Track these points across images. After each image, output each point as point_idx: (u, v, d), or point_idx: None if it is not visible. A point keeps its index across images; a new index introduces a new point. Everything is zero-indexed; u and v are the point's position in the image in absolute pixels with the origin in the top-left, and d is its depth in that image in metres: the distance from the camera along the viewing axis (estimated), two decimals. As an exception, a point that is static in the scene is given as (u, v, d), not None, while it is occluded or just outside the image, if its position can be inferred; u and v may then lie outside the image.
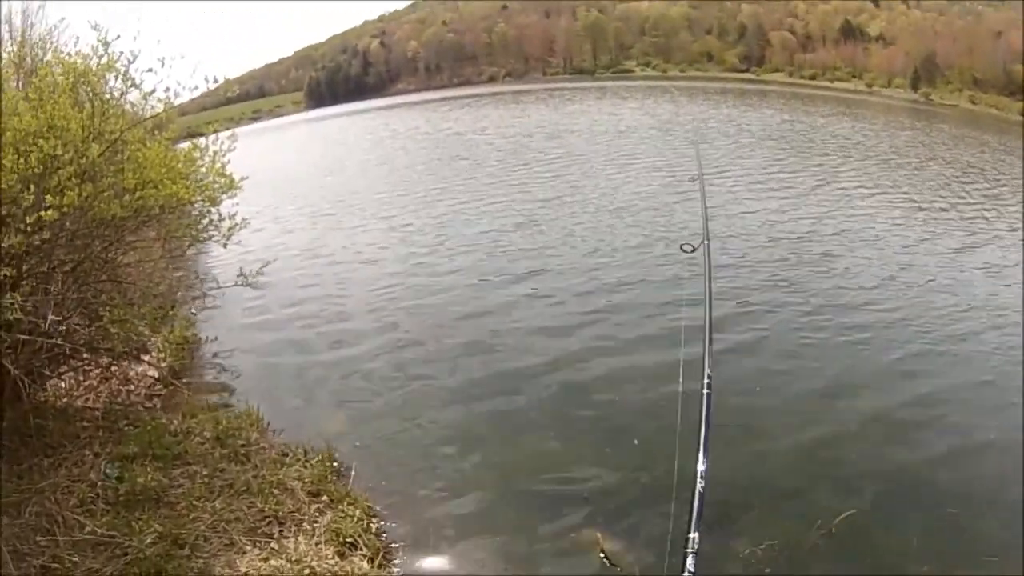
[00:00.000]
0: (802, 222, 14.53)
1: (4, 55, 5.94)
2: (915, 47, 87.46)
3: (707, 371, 1.22)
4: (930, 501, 5.72)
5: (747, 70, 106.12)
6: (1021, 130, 45.79)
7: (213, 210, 6.88)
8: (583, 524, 5.34)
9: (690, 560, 0.84)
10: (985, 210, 16.46)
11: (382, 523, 5.40)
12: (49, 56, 6.21)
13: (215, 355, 9.10)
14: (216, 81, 6.49)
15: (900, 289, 10.53)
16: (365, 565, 4.69)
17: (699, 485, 0.94)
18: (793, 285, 10.62)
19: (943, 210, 16.24)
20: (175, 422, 6.50)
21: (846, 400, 7.35)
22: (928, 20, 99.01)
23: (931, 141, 32.36)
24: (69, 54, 5.39)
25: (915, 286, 10.70)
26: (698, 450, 1.05)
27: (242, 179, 7.09)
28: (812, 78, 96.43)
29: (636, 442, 6.40)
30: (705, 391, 1.16)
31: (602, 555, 4.90)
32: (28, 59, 6.41)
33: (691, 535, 0.88)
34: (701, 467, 0.96)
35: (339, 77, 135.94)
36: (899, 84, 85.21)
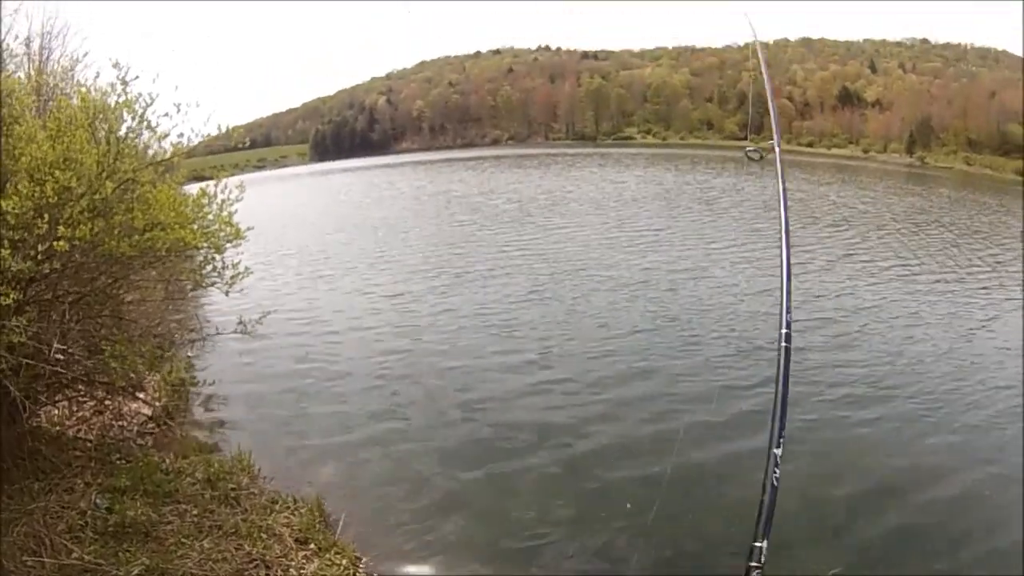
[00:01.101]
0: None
1: (23, 79, 6.09)
2: (911, 111, 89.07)
3: (785, 318, 1.06)
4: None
5: (745, 138, 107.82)
6: (1021, 189, 46.45)
7: (217, 257, 6.95)
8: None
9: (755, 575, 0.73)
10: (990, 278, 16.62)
11: (368, 573, 5.37)
12: (67, 86, 6.39)
13: (209, 399, 9.11)
14: (227, 130, 6.58)
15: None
16: (350, 613, 4.65)
17: (773, 477, 0.79)
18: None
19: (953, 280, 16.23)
20: (167, 460, 6.49)
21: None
22: (924, 84, 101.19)
23: (931, 206, 32.77)
24: (88, 88, 5.56)
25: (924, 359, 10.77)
26: (772, 427, 0.91)
27: (248, 229, 7.19)
28: (809, 145, 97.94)
29: (628, 505, 6.38)
30: (783, 343, 1.02)
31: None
32: (46, 86, 6.55)
33: (758, 544, 0.76)
34: (777, 451, 0.81)
35: (345, 132, 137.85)
36: (895, 149, 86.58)
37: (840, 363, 10.07)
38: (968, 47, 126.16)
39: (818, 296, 13.80)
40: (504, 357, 10.56)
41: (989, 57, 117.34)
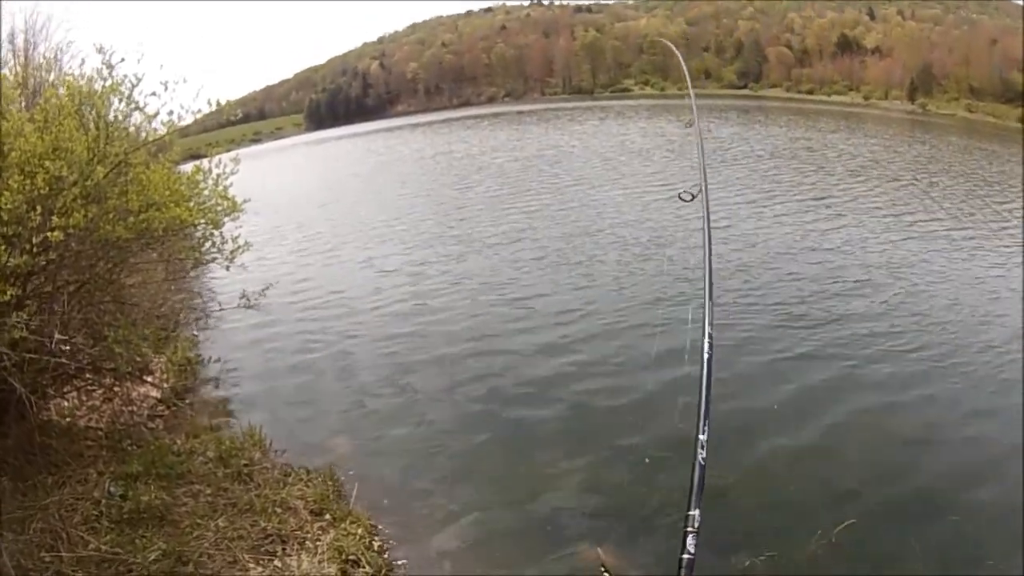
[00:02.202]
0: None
1: (8, 75, 6.01)
2: (911, 58, 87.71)
3: (708, 329, 1.17)
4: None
5: (745, 86, 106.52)
6: (1021, 138, 45.85)
7: (216, 232, 6.93)
8: (584, 541, 5.36)
9: (690, 539, 0.82)
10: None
11: (384, 541, 5.43)
12: (54, 77, 6.30)
13: (217, 376, 9.14)
14: (218, 104, 6.51)
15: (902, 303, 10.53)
16: (367, 582, 4.70)
17: (700, 457, 0.91)
18: (797, 302, 10.65)
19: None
20: (178, 442, 6.53)
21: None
22: (924, 31, 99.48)
23: (942, 155, 31.94)
24: (74, 76, 5.48)
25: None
26: (698, 418, 1.02)
27: (244, 201, 7.16)
28: (810, 92, 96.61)
29: (646, 459, 6.40)
30: (706, 353, 1.12)
31: (604, 571, 4.91)
32: (32, 80, 6.48)
33: (691, 512, 0.85)
34: (702, 436, 0.93)
35: (339, 99, 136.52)
36: (896, 96, 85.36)
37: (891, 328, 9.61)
38: None
39: (856, 256, 13.13)
40: (516, 323, 10.51)
41: (989, 5, 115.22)
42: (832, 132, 41.34)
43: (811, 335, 9.25)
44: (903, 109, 77.47)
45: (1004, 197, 19.95)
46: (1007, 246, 14.06)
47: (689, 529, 0.93)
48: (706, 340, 1.20)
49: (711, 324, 1.17)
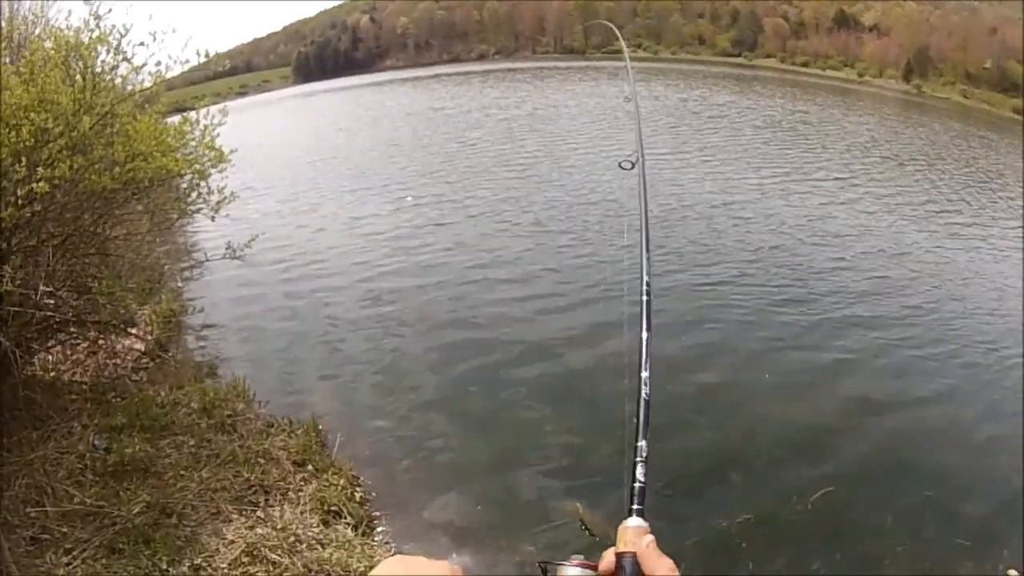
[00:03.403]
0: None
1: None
2: (909, 39, 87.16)
3: (646, 277, 1.25)
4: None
5: (739, 55, 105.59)
6: (1020, 128, 45.84)
7: (202, 183, 6.90)
8: (561, 494, 5.52)
9: (639, 469, 0.89)
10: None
11: (366, 492, 5.55)
12: (40, 30, 6.21)
13: (202, 327, 9.17)
14: (207, 56, 6.44)
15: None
16: (349, 533, 4.82)
17: (644, 393, 0.99)
18: (772, 270, 10.80)
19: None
20: (162, 394, 6.58)
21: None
22: (924, 12, 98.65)
23: (943, 140, 31.34)
24: (61, 28, 5.41)
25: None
26: (640, 357, 1.09)
27: (231, 152, 7.13)
28: (804, 65, 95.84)
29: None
30: (644, 297, 1.20)
31: (582, 526, 5.06)
32: (17, 33, 6.37)
33: (639, 444, 0.92)
34: (645, 374, 1.00)
35: (328, 52, 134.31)
36: (891, 75, 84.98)
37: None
38: None
39: (868, 243, 12.74)
40: (499, 283, 10.59)
41: None
42: (830, 108, 40.96)
43: (803, 315, 9.34)
44: (897, 88, 77.22)
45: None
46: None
47: (638, 459, 1.00)
48: (644, 286, 1.29)
49: (648, 275, 1.27)
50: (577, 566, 0.94)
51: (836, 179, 18.18)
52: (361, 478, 5.72)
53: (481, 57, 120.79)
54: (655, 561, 0.90)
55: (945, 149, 27.65)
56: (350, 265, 11.61)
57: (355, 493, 5.42)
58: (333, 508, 5.05)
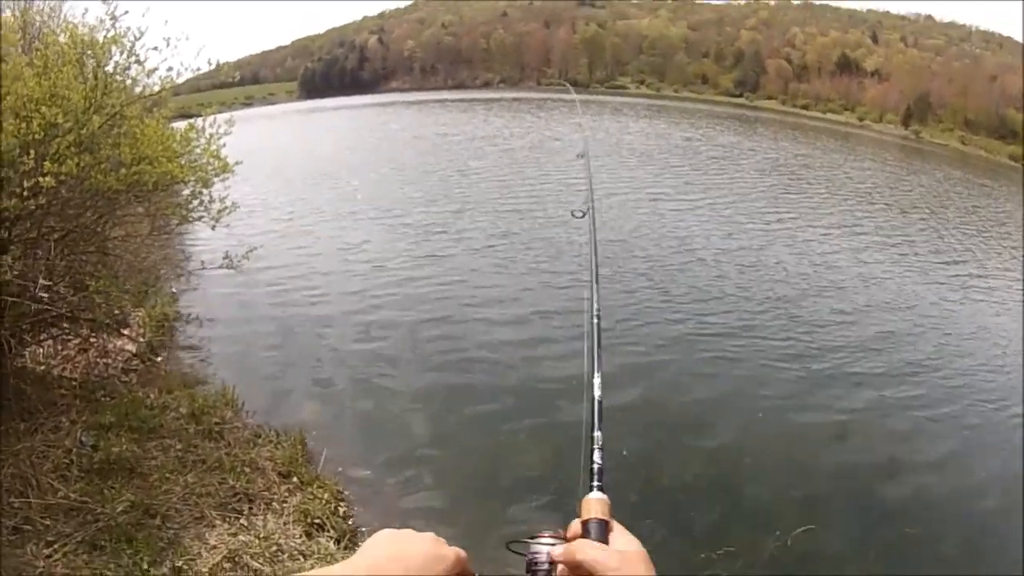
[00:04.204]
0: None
1: (8, 17, 5.97)
2: (910, 84, 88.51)
3: (595, 301, 1.30)
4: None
5: (741, 95, 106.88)
6: (1017, 175, 46.34)
7: (205, 191, 6.94)
8: (543, 508, 5.52)
9: (597, 454, 0.92)
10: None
11: (349, 507, 5.54)
12: (54, 24, 6.27)
13: (195, 334, 9.15)
14: (217, 64, 6.51)
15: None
16: (332, 546, 4.79)
17: (597, 393, 1.05)
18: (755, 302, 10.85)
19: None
20: (151, 396, 6.56)
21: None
22: (925, 59, 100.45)
23: (948, 189, 31.00)
24: (76, 24, 5.47)
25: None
26: (592, 363, 1.15)
27: (236, 163, 7.18)
28: (805, 107, 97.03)
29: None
30: (595, 314, 1.23)
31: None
32: (35, 24, 6.43)
33: (595, 433, 0.97)
34: (596, 380, 1.06)
35: (335, 70, 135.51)
36: (891, 120, 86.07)
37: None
38: (972, 29, 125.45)
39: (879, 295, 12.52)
40: (491, 305, 10.65)
41: (993, 41, 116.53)
42: (832, 152, 41.12)
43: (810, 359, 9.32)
44: (896, 134, 78.00)
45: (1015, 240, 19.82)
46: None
47: (595, 446, 1.04)
48: (594, 311, 1.34)
49: (598, 303, 1.31)
50: (547, 538, 0.96)
51: (841, 227, 18.06)
52: (345, 493, 5.71)
53: (486, 85, 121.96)
54: (622, 533, 0.92)
55: (947, 197, 27.78)
56: (343, 286, 11.61)
57: (339, 507, 5.41)
58: (317, 521, 5.03)
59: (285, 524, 4.90)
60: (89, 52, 4.99)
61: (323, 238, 14.88)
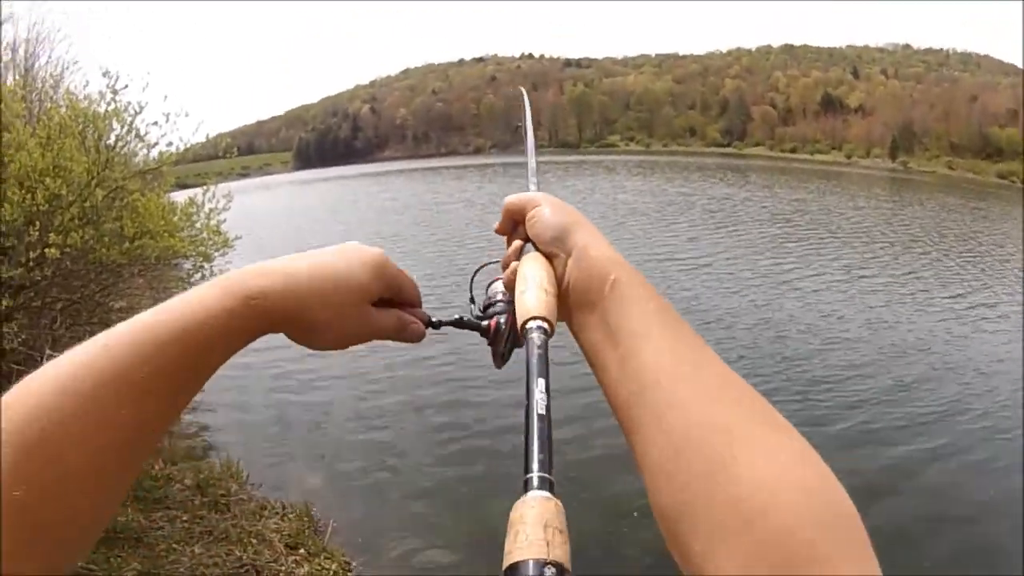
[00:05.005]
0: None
1: (10, 86, 6.09)
2: (893, 116, 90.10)
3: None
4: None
5: (729, 144, 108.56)
6: (1007, 193, 46.52)
7: (206, 266, 7.00)
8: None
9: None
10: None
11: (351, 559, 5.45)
12: (54, 94, 6.41)
13: (197, 405, 9.08)
14: (217, 139, 6.65)
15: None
16: (342, 616, 4.69)
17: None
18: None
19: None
20: (156, 467, 6.49)
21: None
22: (906, 88, 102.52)
23: (943, 219, 30.91)
24: (77, 96, 5.58)
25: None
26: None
27: (235, 238, 7.26)
28: (792, 151, 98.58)
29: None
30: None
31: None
32: (34, 93, 6.57)
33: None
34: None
35: (328, 140, 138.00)
36: (878, 154, 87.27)
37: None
38: (950, 52, 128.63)
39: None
40: (492, 368, 10.52)
41: (971, 61, 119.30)
42: (826, 194, 41.23)
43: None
44: (885, 167, 78.78)
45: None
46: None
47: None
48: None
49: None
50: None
51: (845, 272, 17.79)
52: (353, 564, 5.60)
53: (478, 151, 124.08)
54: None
55: (944, 226, 27.72)
56: (342, 358, 11.56)
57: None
58: (322, 580, 4.95)
59: (294, 584, 4.81)
60: (90, 124, 5.09)
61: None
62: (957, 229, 26.73)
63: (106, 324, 3.37)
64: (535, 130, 1.21)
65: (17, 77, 6.39)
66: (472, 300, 0.89)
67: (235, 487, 6.51)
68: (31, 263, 4.36)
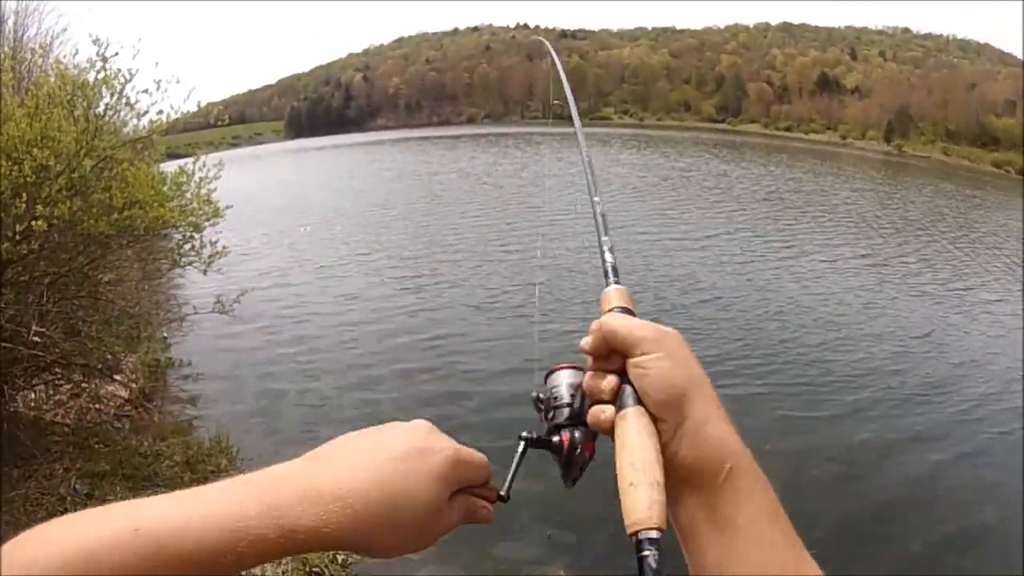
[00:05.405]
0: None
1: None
2: (890, 99, 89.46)
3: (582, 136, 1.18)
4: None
5: (723, 120, 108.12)
6: (1002, 183, 46.46)
7: (196, 236, 6.86)
8: (548, 557, 5.40)
9: (608, 255, 0.73)
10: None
11: (348, 555, 5.38)
12: (48, 64, 6.24)
13: (187, 379, 9.01)
14: (208, 107, 6.48)
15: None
16: (332, 596, 4.66)
17: (599, 209, 0.87)
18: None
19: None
20: (145, 443, 6.43)
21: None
22: (904, 72, 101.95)
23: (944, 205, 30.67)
24: (67, 66, 5.43)
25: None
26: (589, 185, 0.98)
27: (226, 208, 7.12)
28: (787, 129, 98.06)
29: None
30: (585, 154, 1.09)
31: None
32: (25, 65, 6.40)
33: (603, 239, 0.77)
34: (596, 198, 0.90)
35: (320, 108, 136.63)
36: (873, 136, 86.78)
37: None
38: (950, 38, 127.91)
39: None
40: (485, 342, 10.52)
41: (970, 49, 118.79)
42: (822, 174, 40.76)
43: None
44: (879, 150, 78.47)
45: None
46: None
47: (605, 248, 0.86)
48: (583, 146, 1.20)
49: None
50: (566, 369, 0.80)
51: (844, 255, 17.60)
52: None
53: (470, 120, 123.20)
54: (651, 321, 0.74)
55: (940, 213, 27.49)
56: (335, 330, 11.43)
57: (337, 556, 5.26)
58: (315, 570, 4.93)
59: (283, 573, 4.77)
60: (79, 93, 4.94)
61: (315, 283, 14.74)
62: (953, 218, 26.37)
63: (95, 297, 3.27)
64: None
65: (7, 49, 6.19)
66: (539, 406, 0.81)
67: (225, 462, 6.45)
68: (17, 236, 4.24)
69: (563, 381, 0.78)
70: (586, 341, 0.73)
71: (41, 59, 6.65)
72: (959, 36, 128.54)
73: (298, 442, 7.43)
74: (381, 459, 0.63)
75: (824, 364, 10.04)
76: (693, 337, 10.60)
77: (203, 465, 6.18)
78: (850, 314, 12.49)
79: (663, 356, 0.67)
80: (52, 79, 5.02)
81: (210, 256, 6.85)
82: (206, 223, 6.87)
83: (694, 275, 14.80)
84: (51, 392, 6.73)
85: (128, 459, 5.76)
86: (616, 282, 0.85)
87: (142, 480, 5.58)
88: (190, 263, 6.95)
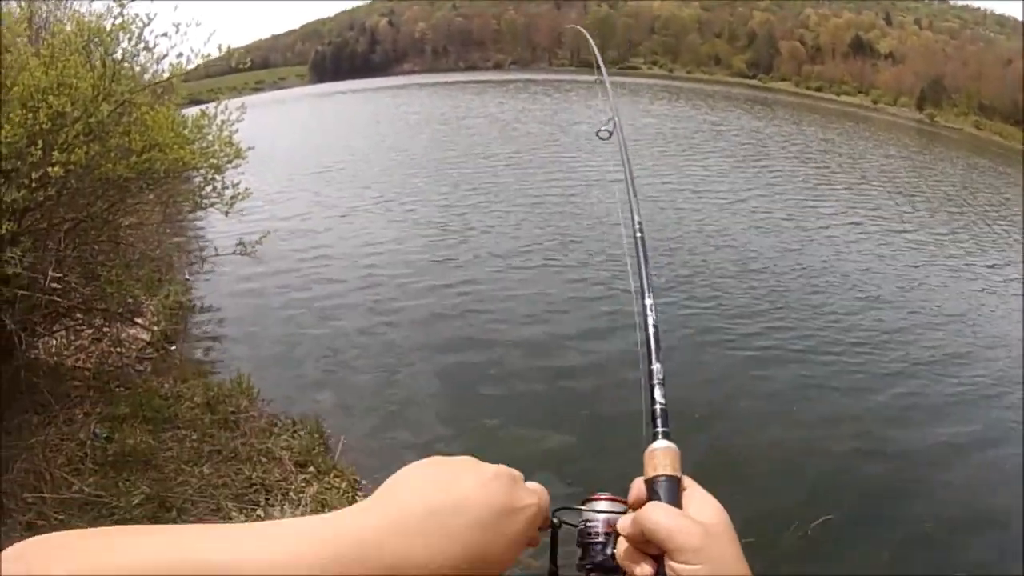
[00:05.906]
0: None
1: (15, 8, 5.88)
2: (924, 67, 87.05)
3: (635, 212, 1.17)
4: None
5: (754, 76, 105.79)
6: None
7: (217, 178, 6.85)
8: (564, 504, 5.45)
9: (658, 391, 0.76)
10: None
11: (368, 496, 5.47)
12: (60, 13, 6.19)
13: (208, 321, 9.13)
14: (229, 51, 6.39)
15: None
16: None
17: (651, 319, 0.86)
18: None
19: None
20: (166, 386, 6.53)
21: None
22: (939, 42, 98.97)
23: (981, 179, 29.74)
24: (82, 12, 5.38)
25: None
26: (642, 284, 0.99)
27: (248, 149, 7.10)
28: (818, 90, 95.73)
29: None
30: (638, 234, 1.09)
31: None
32: (41, 14, 6.35)
33: (654, 367, 0.79)
34: (649, 301, 0.89)
35: (345, 53, 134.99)
36: (904, 103, 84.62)
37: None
38: (987, 12, 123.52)
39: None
40: (506, 285, 10.67)
41: (1007, 25, 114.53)
42: (855, 137, 39.76)
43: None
44: (911, 117, 76.43)
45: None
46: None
47: (655, 382, 0.87)
48: (635, 225, 1.21)
49: (640, 217, 1.17)
50: (604, 502, 0.79)
51: (878, 223, 17.16)
52: (363, 482, 5.64)
53: (497, 66, 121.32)
54: (697, 491, 0.74)
55: (975, 187, 26.47)
56: (358, 273, 11.45)
57: (357, 497, 5.34)
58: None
59: (303, 514, 4.85)
60: (96, 40, 4.89)
61: (339, 227, 14.75)
62: (989, 195, 25.10)
63: (115, 242, 3.29)
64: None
65: (22, 3, 6.13)
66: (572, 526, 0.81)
67: (245, 403, 6.54)
68: (34, 183, 4.25)
69: (600, 517, 0.78)
70: (624, 528, 0.73)
71: (57, 9, 6.57)
72: (997, 11, 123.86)
73: (320, 385, 7.55)
74: (471, 507, 0.65)
75: (853, 331, 9.85)
76: (722, 293, 10.74)
77: (223, 406, 6.28)
78: (882, 284, 12.19)
79: (703, 568, 0.64)
80: (68, 27, 4.98)
81: (232, 198, 6.84)
82: (228, 165, 6.86)
83: (727, 230, 14.67)
84: (72, 338, 6.82)
85: (148, 401, 5.86)
86: (665, 433, 0.81)
87: (162, 422, 5.69)
88: (211, 205, 6.96)
